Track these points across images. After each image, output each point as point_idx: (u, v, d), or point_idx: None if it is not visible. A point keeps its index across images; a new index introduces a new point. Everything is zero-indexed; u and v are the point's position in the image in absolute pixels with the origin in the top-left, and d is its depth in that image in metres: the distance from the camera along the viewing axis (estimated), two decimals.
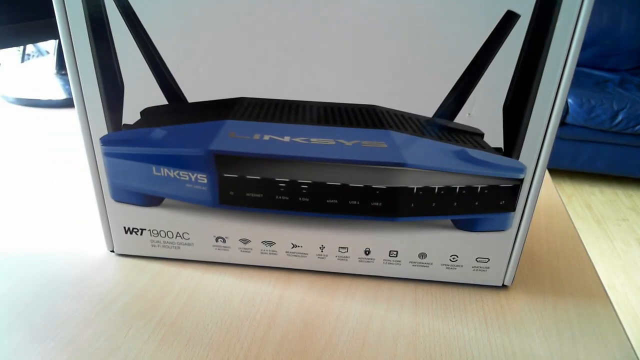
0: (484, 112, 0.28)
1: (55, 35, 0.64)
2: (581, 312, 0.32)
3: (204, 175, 0.31)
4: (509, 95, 0.27)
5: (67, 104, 0.67)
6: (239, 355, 0.28)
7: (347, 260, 0.34)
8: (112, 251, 0.36)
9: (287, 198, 0.31)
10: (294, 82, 0.28)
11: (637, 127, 1.98)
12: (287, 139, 0.29)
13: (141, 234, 0.34)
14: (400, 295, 0.33)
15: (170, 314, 0.30)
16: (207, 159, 0.30)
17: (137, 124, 0.30)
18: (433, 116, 0.28)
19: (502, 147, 0.29)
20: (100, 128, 0.30)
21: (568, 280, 0.35)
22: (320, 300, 0.32)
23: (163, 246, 0.35)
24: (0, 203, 0.42)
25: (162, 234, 0.34)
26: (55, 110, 0.66)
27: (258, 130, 0.29)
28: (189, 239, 0.34)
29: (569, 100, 2.01)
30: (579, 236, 0.40)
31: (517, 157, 0.29)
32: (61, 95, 0.68)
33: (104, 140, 0.31)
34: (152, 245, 0.35)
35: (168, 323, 0.30)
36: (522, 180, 0.30)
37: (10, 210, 0.41)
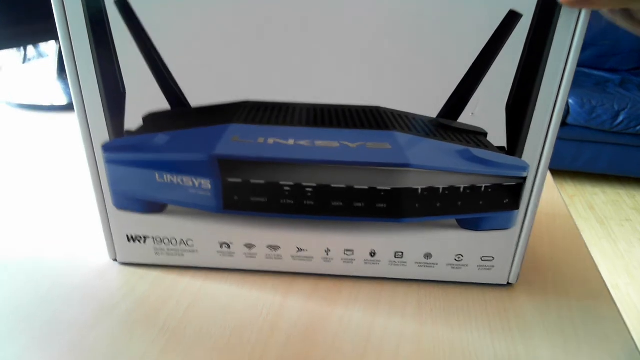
0: (487, 112, 0.28)
1: (56, 37, 0.64)
2: (585, 313, 0.32)
3: (208, 181, 0.31)
4: (511, 94, 0.27)
5: (69, 107, 0.67)
6: (243, 359, 0.27)
7: (352, 262, 0.34)
8: (115, 260, 0.35)
9: (292, 202, 0.31)
10: (297, 84, 0.28)
11: (638, 127, 1.98)
12: (291, 142, 0.29)
13: (144, 242, 0.34)
14: (403, 297, 0.33)
15: (173, 319, 0.30)
16: (210, 164, 0.30)
17: (140, 130, 0.30)
18: (437, 116, 0.28)
19: (506, 146, 0.29)
20: (102, 134, 0.30)
21: (571, 281, 0.35)
22: (324, 303, 0.32)
23: (167, 254, 0.34)
24: (2, 208, 0.42)
25: (166, 241, 0.34)
26: (57, 113, 0.66)
27: (262, 133, 0.29)
28: (192, 245, 0.34)
29: (570, 101, 2.01)
30: (581, 237, 0.40)
31: (520, 156, 0.29)
32: (63, 98, 0.68)
33: (106, 147, 0.31)
34: (156, 253, 0.34)
35: (171, 328, 0.30)
36: (525, 179, 0.30)
37: (12, 216, 0.41)
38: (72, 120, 0.64)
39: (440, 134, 0.29)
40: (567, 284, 0.35)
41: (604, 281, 0.35)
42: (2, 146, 0.56)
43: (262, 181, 0.31)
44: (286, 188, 0.31)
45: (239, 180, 0.31)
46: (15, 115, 0.65)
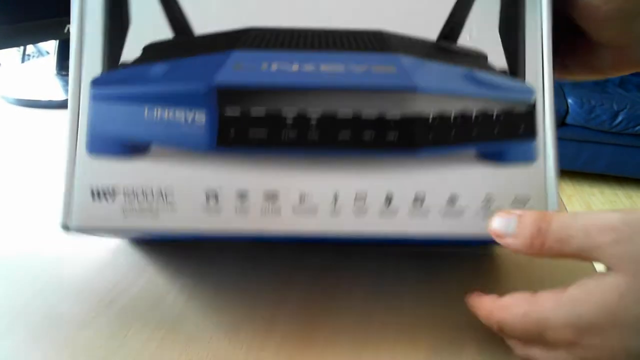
0: (483, 34, 0.28)
1: (56, 35, 0.64)
2: None
3: (203, 113, 0.28)
4: (501, 16, 0.28)
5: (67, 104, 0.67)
6: (239, 355, 0.27)
7: (365, 214, 0.29)
8: (67, 227, 0.28)
9: (295, 135, 0.28)
10: (302, 9, 0.28)
11: (637, 128, 1.98)
12: (295, 67, 0.28)
13: (113, 198, 0.28)
14: (403, 291, 0.33)
15: (170, 314, 0.30)
16: (208, 94, 0.28)
17: (136, 61, 0.28)
18: (437, 39, 0.28)
19: (507, 69, 0.29)
20: (94, 69, 0.28)
21: (569, 280, 0.35)
22: (322, 299, 0.32)
23: (138, 213, 0.28)
24: None
25: (140, 194, 0.28)
26: (56, 111, 0.66)
27: (265, 59, 0.28)
28: (172, 200, 0.28)
29: (569, 101, 2.01)
30: None
31: (523, 78, 0.29)
32: (61, 96, 0.68)
33: (95, 82, 0.28)
34: (124, 214, 0.28)
35: (168, 323, 0.30)
36: (534, 102, 0.29)
37: (8, 212, 0.41)
38: None
39: (443, 56, 0.28)
40: (565, 283, 0.35)
41: None
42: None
43: (262, 111, 0.28)
44: (289, 119, 0.28)
45: (237, 111, 0.28)
46: (12, 111, 0.65)
